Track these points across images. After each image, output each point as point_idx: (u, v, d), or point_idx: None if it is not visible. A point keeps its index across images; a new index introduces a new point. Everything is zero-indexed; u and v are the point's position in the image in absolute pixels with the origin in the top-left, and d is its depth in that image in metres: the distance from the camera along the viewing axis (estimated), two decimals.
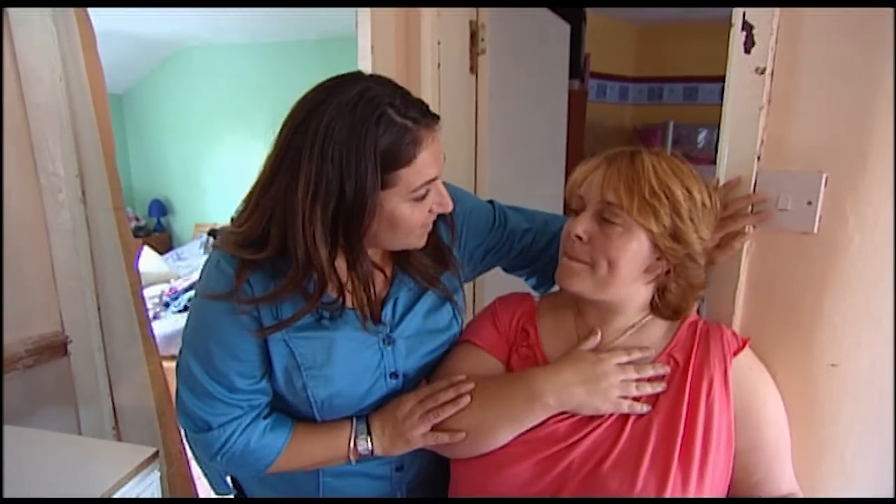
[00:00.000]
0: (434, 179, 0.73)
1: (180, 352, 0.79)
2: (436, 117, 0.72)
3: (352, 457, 0.80)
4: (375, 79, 0.72)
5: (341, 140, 0.66)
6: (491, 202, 0.97)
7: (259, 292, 0.73)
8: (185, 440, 0.90)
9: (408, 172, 0.69)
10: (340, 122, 0.67)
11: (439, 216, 0.80)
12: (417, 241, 0.77)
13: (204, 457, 0.81)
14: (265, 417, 0.80)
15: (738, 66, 0.83)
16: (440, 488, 0.88)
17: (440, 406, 0.78)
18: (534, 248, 0.95)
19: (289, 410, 0.82)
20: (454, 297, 0.87)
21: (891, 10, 0.70)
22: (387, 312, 0.82)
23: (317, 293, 0.73)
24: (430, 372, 0.87)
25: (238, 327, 0.74)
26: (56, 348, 1.25)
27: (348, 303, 0.77)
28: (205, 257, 0.96)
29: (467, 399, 0.78)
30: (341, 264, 0.75)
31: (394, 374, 0.82)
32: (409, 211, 0.72)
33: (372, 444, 0.80)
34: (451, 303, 0.87)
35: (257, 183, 0.73)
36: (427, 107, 0.72)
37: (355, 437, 0.80)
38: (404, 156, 0.68)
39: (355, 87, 0.68)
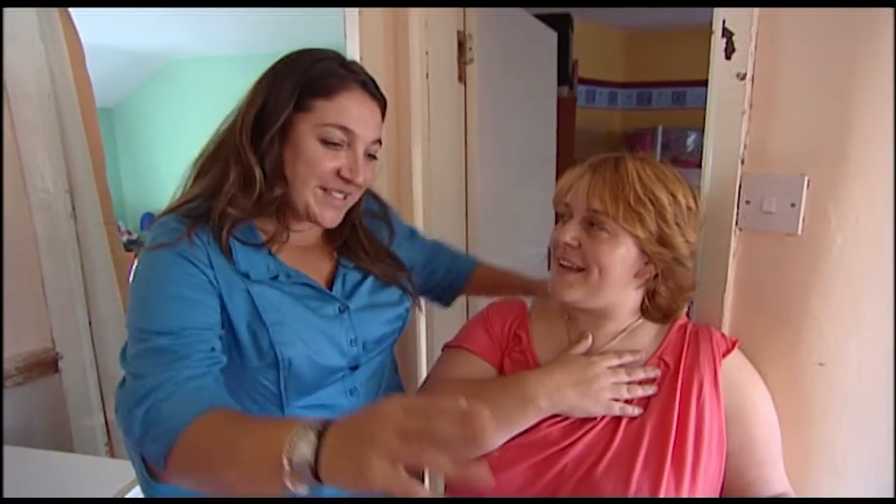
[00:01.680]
0: (350, 132, 0.76)
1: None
2: (379, 94, 0.81)
3: (285, 463, 0.52)
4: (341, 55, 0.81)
5: (284, 63, 0.78)
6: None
7: (210, 244, 0.74)
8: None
9: (323, 104, 0.75)
10: (295, 53, 0.78)
11: (380, 217, 0.92)
12: (318, 205, 0.78)
13: (122, 411, 0.67)
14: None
15: (720, 72, 0.84)
16: None
17: (428, 444, 0.48)
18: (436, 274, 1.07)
19: (250, 391, 0.77)
20: (399, 279, 0.91)
21: (865, 12, 0.72)
22: (336, 288, 0.85)
23: (252, 196, 0.75)
24: (388, 345, 0.91)
25: (192, 271, 0.72)
26: (47, 365, 1.24)
27: (297, 266, 0.81)
28: None
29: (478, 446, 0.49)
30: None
31: (353, 341, 0.83)
32: (313, 149, 0.75)
33: (316, 454, 0.51)
34: (396, 284, 0.91)
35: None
36: (376, 85, 0.80)
37: (293, 439, 0.52)
38: (324, 88, 0.75)
39: (311, 49, 0.79)
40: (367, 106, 0.78)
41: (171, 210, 0.78)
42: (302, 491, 0.53)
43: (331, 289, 0.84)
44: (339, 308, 0.83)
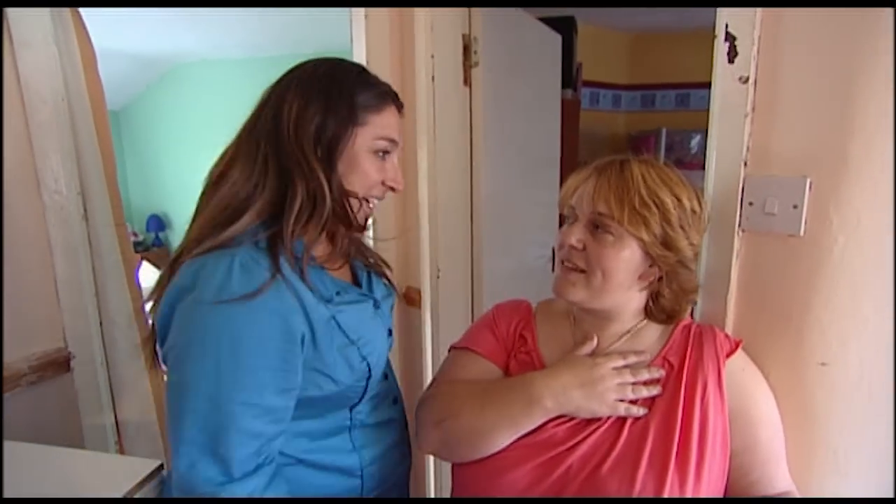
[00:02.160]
0: (394, 143, 0.81)
1: (171, 394, 0.69)
2: (401, 102, 0.85)
3: None
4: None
5: (327, 78, 0.77)
6: None
7: (294, 278, 0.72)
8: None
9: (376, 119, 0.79)
10: (326, 67, 0.79)
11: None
12: (364, 215, 0.83)
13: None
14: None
15: (723, 76, 0.85)
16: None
17: None
18: None
19: (321, 412, 0.81)
20: (384, 272, 0.97)
21: (866, 16, 0.72)
22: (364, 287, 0.90)
23: (323, 217, 0.75)
24: None
25: (290, 341, 0.70)
26: (59, 364, 1.26)
27: (338, 275, 0.85)
28: None
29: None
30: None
31: (389, 331, 0.92)
32: (368, 161, 0.79)
33: None
34: (384, 277, 0.97)
35: (237, 136, 0.79)
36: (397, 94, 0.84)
37: None
38: (375, 104, 0.79)
39: (334, 59, 0.82)
40: (399, 116, 0.84)
41: (221, 235, 0.71)
42: None
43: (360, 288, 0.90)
44: (374, 304, 0.89)
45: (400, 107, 0.84)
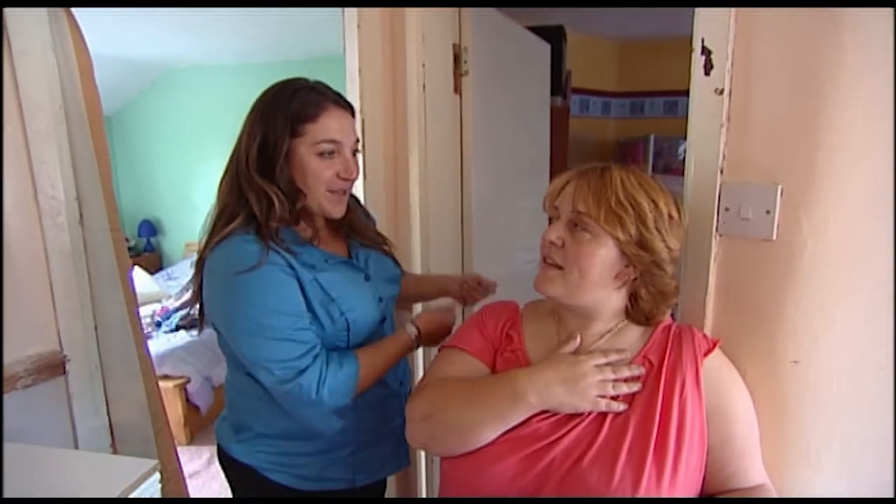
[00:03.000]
0: (337, 143, 0.97)
1: (233, 336, 0.95)
2: (347, 103, 1.00)
3: (411, 336, 1.06)
4: (316, 81, 1.01)
5: (269, 101, 0.97)
6: None
7: (281, 251, 0.95)
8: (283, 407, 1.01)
9: (313, 127, 0.95)
10: (273, 91, 0.98)
11: (361, 212, 1.17)
12: (329, 203, 1.00)
13: (307, 401, 0.94)
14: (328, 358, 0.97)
15: (700, 87, 0.89)
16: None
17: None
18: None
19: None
20: (391, 253, 1.18)
21: (833, 31, 0.77)
22: (355, 262, 1.09)
23: (279, 211, 0.95)
24: (394, 301, 1.18)
25: (285, 278, 0.93)
26: (55, 367, 1.27)
27: (331, 249, 1.06)
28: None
29: None
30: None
31: (380, 300, 1.09)
32: (314, 163, 0.96)
33: (416, 327, 1.07)
34: (389, 255, 1.17)
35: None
36: (341, 95, 1.01)
37: (405, 328, 1.08)
38: (310, 114, 0.95)
39: (294, 78, 1.00)
40: (342, 117, 0.99)
41: (220, 235, 0.95)
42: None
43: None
44: (365, 276, 1.08)
45: (345, 108, 0.99)
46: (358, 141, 1.02)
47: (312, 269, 0.97)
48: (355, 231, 1.12)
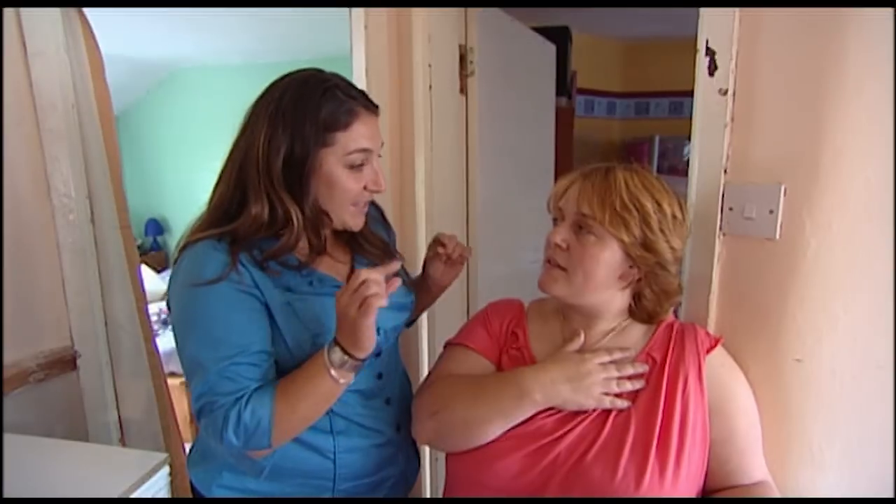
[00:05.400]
0: (368, 151, 0.86)
1: (176, 345, 0.83)
2: (375, 105, 0.88)
3: (333, 371, 0.79)
4: (329, 72, 0.88)
5: (292, 105, 0.82)
6: None
7: (252, 266, 0.83)
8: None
9: (344, 136, 0.83)
10: (293, 90, 0.83)
11: (380, 223, 1.03)
12: (352, 218, 0.89)
13: (215, 439, 0.80)
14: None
15: (704, 88, 0.90)
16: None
17: (363, 283, 0.76)
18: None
19: None
20: (403, 276, 0.98)
21: (837, 31, 0.77)
22: None
23: (292, 236, 0.84)
24: (399, 332, 1.02)
25: (244, 300, 0.81)
26: (66, 362, 1.30)
27: (324, 269, 0.91)
28: None
29: (392, 267, 0.80)
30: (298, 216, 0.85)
31: (378, 330, 0.88)
32: (343, 176, 0.85)
33: (341, 348, 0.79)
34: (402, 279, 0.99)
35: (227, 154, 0.87)
36: (368, 97, 0.88)
37: (328, 352, 0.80)
38: (342, 121, 0.83)
39: (310, 71, 0.87)
40: (372, 122, 0.87)
41: (199, 234, 0.84)
42: (345, 378, 0.80)
43: None
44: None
45: (373, 110, 0.87)
46: (383, 144, 0.91)
47: (288, 292, 0.85)
48: (361, 246, 0.98)
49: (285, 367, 0.85)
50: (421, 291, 1.11)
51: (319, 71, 0.87)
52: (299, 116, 0.82)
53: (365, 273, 0.75)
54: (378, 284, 0.75)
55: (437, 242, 1.05)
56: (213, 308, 0.80)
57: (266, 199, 0.82)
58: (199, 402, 0.79)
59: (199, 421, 0.81)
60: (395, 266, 0.80)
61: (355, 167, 0.85)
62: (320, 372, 0.80)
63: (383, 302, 0.76)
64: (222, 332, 0.79)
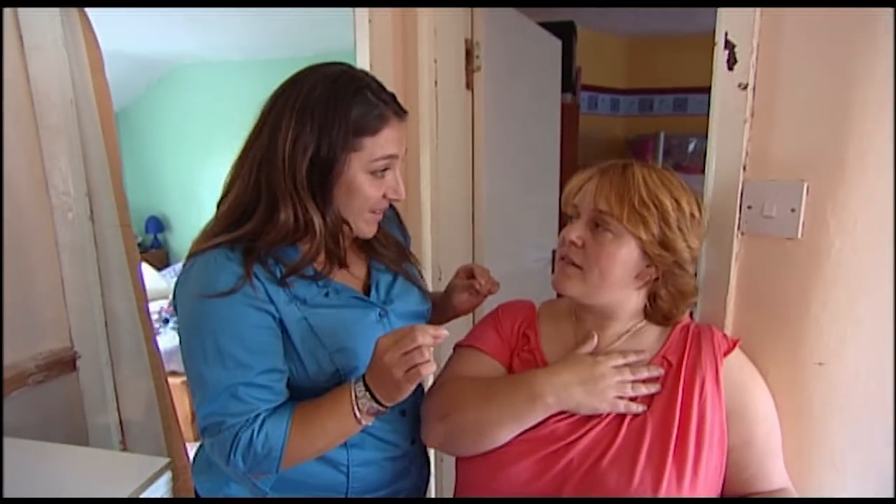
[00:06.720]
0: (394, 157, 0.82)
1: (182, 358, 0.80)
2: (405, 112, 0.83)
3: (358, 415, 0.77)
4: (359, 69, 0.84)
5: (322, 102, 0.77)
6: None
7: (266, 279, 0.79)
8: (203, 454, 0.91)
9: (372, 142, 0.79)
10: (323, 87, 0.78)
11: (396, 225, 0.99)
12: (367, 225, 0.85)
13: (221, 460, 0.79)
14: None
15: (723, 82, 0.87)
16: None
17: (417, 348, 0.71)
18: None
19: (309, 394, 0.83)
20: (419, 283, 0.99)
21: (864, 23, 0.75)
22: (374, 293, 0.90)
23: (313, 246, 0.80)
24: None
25: (254, 316, 0.77)
26: (65, 363, 1.27)
27: (339, 278, 0.87)
28: None
29: (443, 333, 0.73)
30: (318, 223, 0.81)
31: None
32: (366, 183, 0.80)
33: (371, 394, 0.76)
34: (417, 286, 0.98)
35: (242, 149, 0.82)
36: (398, 101, 0.83)
37: (356, 397, 0.77)
38: (371, 126, 0.78)
39: (340, 67, 0.82)
40: (401, 128, 0.83)
41: (210, 241, 0.79)
42: (369, 421, 0.78)
43: (368, 294, 0.90)
44: (380, 313, 0.89)
45: (402, 115, 0.83)
46: (407, 150, 0.86)
47: (303, 305, 0.81)
48: (378, 251, 0.94)
49: (300, 384, 0.82)
50: (436, 309, 1.06)
51: (350, 67, 0.82)
52: (329, 117, 0.76)
53: (420, 337, 0.71)
54: (430, 350, 0.72)
55: (469, 273, 1.02)
56: (224, 323, 0.76)
57: (291, 204, 0.77)
58: (207, 420, 0.76)
59: (205, 438, 0.79)
60: (445, 334, 0.74)
61: (377, 173, 0.81)
62: (346, 413, 0.77)
63: (433, 368, 0.72)
64: (233, 349, 0.75)
